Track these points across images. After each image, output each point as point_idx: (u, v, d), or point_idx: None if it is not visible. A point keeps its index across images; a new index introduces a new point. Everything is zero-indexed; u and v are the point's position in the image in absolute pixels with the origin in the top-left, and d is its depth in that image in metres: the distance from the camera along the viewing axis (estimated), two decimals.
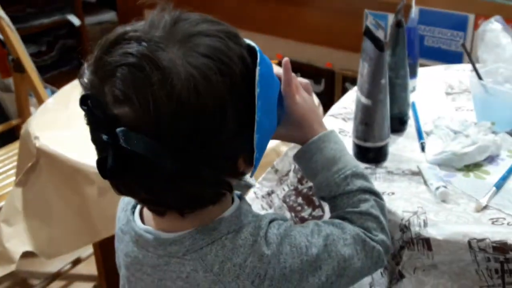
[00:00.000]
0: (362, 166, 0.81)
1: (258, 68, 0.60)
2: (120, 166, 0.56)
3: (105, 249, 1.61)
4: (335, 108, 1.12)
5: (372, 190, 0.72)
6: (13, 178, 1.51)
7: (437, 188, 0.85)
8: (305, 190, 1.07)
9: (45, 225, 1.24)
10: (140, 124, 0.55)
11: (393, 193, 0.86)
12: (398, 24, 0.96)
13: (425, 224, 0.78)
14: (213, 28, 0.59)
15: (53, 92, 2.03)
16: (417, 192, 0.86)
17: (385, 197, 0.76)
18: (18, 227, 1.23)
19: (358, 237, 0.68)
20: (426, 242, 0.77)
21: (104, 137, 0.56)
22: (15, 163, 1.46)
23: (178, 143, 0.56)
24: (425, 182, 0.88)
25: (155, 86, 0.54)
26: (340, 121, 1.08)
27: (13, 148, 1.84)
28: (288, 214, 1.08)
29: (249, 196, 1.10)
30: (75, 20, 3.24)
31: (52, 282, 1.89)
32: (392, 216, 0.80)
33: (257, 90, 0.59)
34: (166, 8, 0.59)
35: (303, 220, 1.07)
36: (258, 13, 2.36)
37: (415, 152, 0.96)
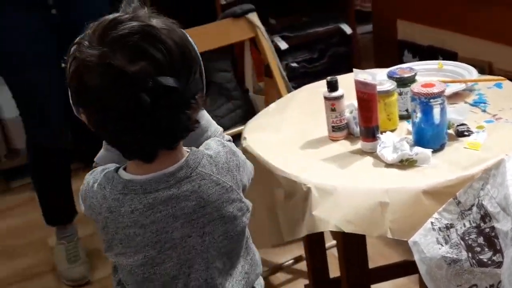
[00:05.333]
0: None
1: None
2: (156, 104, 0.80)
3: (312, 252, 1.65)
4: None
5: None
6: None
7: None
8: (487, 230, 0.92)
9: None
10: (160, 71, 0.81)
11: None
12: None
13: None
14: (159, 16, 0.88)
15: None
16: None
17: None
18: None
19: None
20: None
21: (131, 91, 0.80)
22: None
23: (184, 77, 0.84)
24: None
25: (160, 45, 0.82)
26: None
27: None
28: (464, 254, 0.94)
29: (425, 226, 1.00)
30: (347, 29, 3.35)
31: (275, 273, 2.03)
32: None
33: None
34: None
35: (480, 263, 0.92)
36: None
37: None
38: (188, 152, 0.92)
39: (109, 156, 0.99)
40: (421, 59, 2.30)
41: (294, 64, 3.28)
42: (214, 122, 1.03)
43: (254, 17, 2.09)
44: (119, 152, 0.90)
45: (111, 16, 0.85)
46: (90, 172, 0.96)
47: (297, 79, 2.97)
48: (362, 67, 3.35)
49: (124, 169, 0.92)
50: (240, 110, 2.19)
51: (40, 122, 1.90)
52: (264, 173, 1.26)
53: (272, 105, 1.59)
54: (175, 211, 0.88)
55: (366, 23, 3.48)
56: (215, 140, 0.96)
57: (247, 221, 0.97)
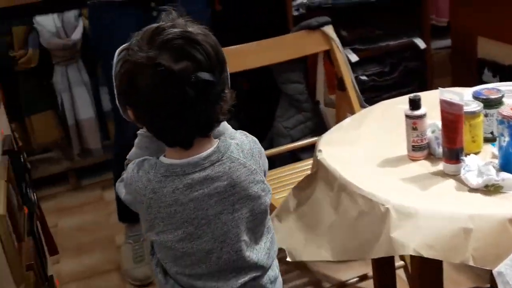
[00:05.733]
0: None
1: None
2: (197, 97, 0.96)
3: (381, 272, 1.61)
4: None
5: None
6: None
7: None
8: None
9: (308, 229, 1.32)
10: (200, 69, 0.96)
11: None
12: None
13: None
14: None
15: None
16: None
17: None
18: (286, 225, 1.35)
19: None
20: None
21: (178, 86, 0.95)
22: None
23: (217, 73, 0.99)
24: None
25: (199, 47, 0.97)
26: None
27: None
28: None
29: None
30: (421, 43, 3.27)
31: None
32: None
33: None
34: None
35: None
36: None
37: None
38: (218, 141, 1.07)
39: (140, 153, 1.12)
40: (501, 79, 2.21)
41: (364, 77, 3.22)
42: (230, 127, 1.15)
43: (329, 30, 2.08)
44: (151, 150, 1.10)
45: (155, 25, 1.00)
46: (130, 164, 1.10)
47: (366, 92, 2.92)
48: (434, 83, 3.27)
49: (164, 156, 1.06)
50: (310, 122, 2.17)
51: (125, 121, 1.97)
52: (338, 187, 1.24)
53: (347, 120, 1.57)
54: (210, 190, 1.03)
55: (441, 38, 3.39)
56: (239, 132, 1.12)
57: (269, 201, 1.10)
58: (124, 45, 1.03)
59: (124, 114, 1.07)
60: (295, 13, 3.11)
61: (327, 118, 2.18)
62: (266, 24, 3.08)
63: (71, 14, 2.67)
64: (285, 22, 3.09)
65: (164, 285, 1.11)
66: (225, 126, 1.12)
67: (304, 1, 3.14)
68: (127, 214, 2.24)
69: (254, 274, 1.09)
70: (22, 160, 1.47)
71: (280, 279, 1.17)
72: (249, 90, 3.06)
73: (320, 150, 1.36)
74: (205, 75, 0.96)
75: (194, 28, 1.00)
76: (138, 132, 1.15)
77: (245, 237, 1.07)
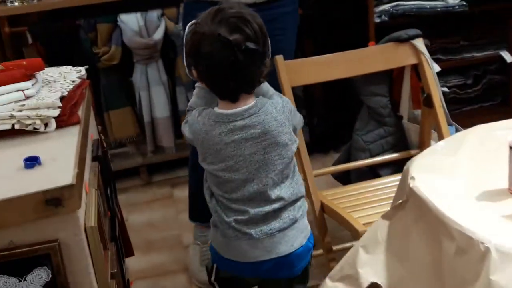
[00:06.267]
0: None
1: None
2: (245, 60, 1.28)
3: None
4: None
5: None
6: (385, 208, 1.58)
7: None
8: None
9: (400, 263, 1.26)
10: (249, 40, 1.28)
11: None
12: None
13: None
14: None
15: (457, 130, 2.03)
16: None
17: None
18: (375, 256, 1.29)
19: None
20: None
21: (232, 51, 1.26)
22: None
23: (261, 44, 1.30)
24: None
25: (248, 24, 1.28)
26: None
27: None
28: None
29: None
30: (507, 57, 3.11)
31: None
32: None
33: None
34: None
35: None
36: None
37: None
38: (257, 98, 1.38)
39: (198, 102, 1.44)
40: None
41: (444, 89, 3.10)
42: (272, 88, 1.43)
43: (419, 43, 2.00)
44: (206, 99, 1.41)
45: (217, 6, 1.32)
46: (194, 111, 1.41)
47: (446, 105, 2.80)
48: None
49: (217, 106, 1.38)
50: (391, 137, 2.10)
51: None
52: (432, 220, 1.18)
53: (441, 143, 1.49)
54: (247, 135, 1.34)
55: None
56: (276, 94, 1.43)
57: (294, 150, 1.41)
58: (193, 21, 1.34)
59: (190, 73, 1.39)
60: (377, 20, 3.03)
61: (410, 134, 2.10)
62: (346, 29, 3.02)
63: (154, 14, 2.70)
64: (366, 28, 3.02)
65: (209, 203, 1.45)
66: (268, 88, 1.42)
67: (387, 8, 3.06)
68: (198, 214, 2.26)
69: (276, 206, 1.39)
70: (108, 163, 1.48)
71: (302, 223, 1.45)
72: (325, 98, 3.02)
73: (412, 177, 1.29)
74: (251, 45, 1.28)
75: (246, 10, 1.31)
76: (196, 85, 1.46)
77: (272, 175, 1.38)
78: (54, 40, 2.70)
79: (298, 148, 1.85)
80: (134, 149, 3.00)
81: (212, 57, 1.28)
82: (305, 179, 1.92)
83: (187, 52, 1.35)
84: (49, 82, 1.40)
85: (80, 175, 1.05)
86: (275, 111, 1.35)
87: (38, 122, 1.21)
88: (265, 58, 1.34)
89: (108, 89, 2.83)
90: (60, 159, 1.10)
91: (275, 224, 1.40)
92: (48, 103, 1.23)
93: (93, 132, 1.48)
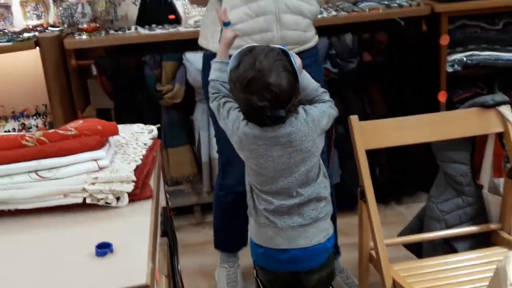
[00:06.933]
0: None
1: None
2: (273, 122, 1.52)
3: None
4: None
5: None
6: None
7: None
8: None
9: None
10: (276, 105, 1.49)
11: None
12: None
13: None
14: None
15: None
16: None
17: None
18: None
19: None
20: None
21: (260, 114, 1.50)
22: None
23: (289, 105, 1.51)
24: None
25: (275, 89, 1.47)
26: None
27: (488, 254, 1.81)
28: None
29: None
30: None
31: None
32: None
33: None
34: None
35: None
36: None
37: None
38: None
39: (222, 76, 1.65)
40: None
41: None
42: (312, 81, 1.63)
43: (507, 110, 1.86)
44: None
45: (249, 75, 1.48)
46: (218, 95, 1.66)
47: None
48: None
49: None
50: (469, 208, 1.95)
51: (231, 163, 2.10)
52: None
53: None
54: (275, 142, 1.54)
55: None
56: (319, 104, 1.61)
57: (318, 156, 1.60)
58: (233, 73, 1.53)
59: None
60: (449, 69, 2.89)
61: (490, 206, 1.95)
62: (416, 77, 2.89)
63: None
64: (438, 77, 2.89)
65: (248, 194, 1.67)
66: (308, 83, 1.61)
67: (460, 57, 2.91)
68: (223, 245, 2.39)
69: (296, 201, 1.59)
70: (173, 231, 1.40)
71: (323, 224, 1.64)
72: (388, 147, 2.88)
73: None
74: (278, 112, 1.49)
75: (276, 71, 1.47)
76: (216, 60, 1.69)
77: (296, 175, 1.57)
78: (119, 75, 2.68)
79: (368, 213, 1.74)
80: (190, 187, 2.94)
81: (246, 113, 1.54)
82: (375, 248, 1.80)
83: (230, 90, 1.59)
84: (122, 146, 1.34)
85: (153, 268, 0.97)
86: (299, 123, 1.53)
87: (110, 197, 1.14)
88: (296, 105, 1.54)
89: (168, 126, 2.79)
90: (132, 245, 1.03)
91: (297, 219, 1.60)
92: (122, 176, 1.16)
93: (162, 199, 1.41)
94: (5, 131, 2.76)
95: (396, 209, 2.97)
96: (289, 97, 1.51)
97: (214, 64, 1.70)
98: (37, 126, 2.81)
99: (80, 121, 1.36)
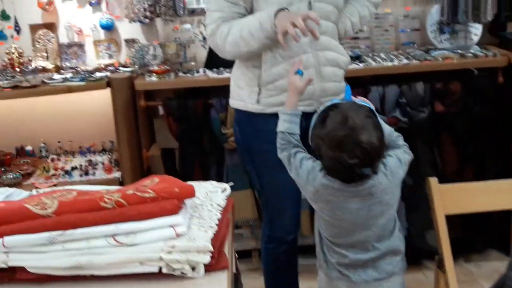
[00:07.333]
0: None
1: None
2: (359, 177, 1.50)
3: None
4: None
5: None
6: None
7: None
8: None
9: None
10: (364, 163, 1.47)
11: None
12: None
13: None
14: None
15: None
16: None
17: None
18: None
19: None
20: None
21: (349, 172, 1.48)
22: None
23: (377, 161, 1.52)
24: None
25: (365, 146, 1.45)
26: None
27: None
28: None
29: None
30: None
31: None
32: None
33: None
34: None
35: None
36: None
37: None
38: None
39: (292, 128, 1.65)
40: None
41: None
42: (386, 126, 1.59)
43: None
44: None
45: (342, 133, 1.45)
46: (288, 145, 1.64)
47: None
48: None
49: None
50: None
51: (279, 213, 2.06)
52: None
53: None
54: (355, 194, 1.50)
55: None
56: (394, 152, 1.58)
57: (396, 209, 1.57)
58: (318, 129, 1.51)
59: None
60: None
61: None
62: (489, 128, 2.77)
63: None
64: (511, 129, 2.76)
65: (317, 245, 1.65)
66: (390, 136, 1.59)
67: None
68: None
69: (372, 255, 1.56)
70: None
71: (398, 280, 1.61)
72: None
73: None
74: (365, 170, 1.47)
75: (367, 128, 1.45)
76: (283, 111, 1.69)
77: (374, 229, 1.54)
78: (185, 117, 2.69)
79: (447, 286, 1.64)
80: (249, 232, 2.90)
81: (332, 169, 1.50)
82: None
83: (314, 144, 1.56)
84: (197, 208, 1.31)
85: None
86: (380, 176, 1.50)
87: (186, 267, 1.11)
88: (382, 155, 1.52)
89: (231, 169, 2.77)
90: None
91: (372, 273, 1.57)
92: (200, 246, 1.12)
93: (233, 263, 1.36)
94: (72, 167, 2.81)
95: (465, 267, 2.82)
96: (379, 154, 1.49)
97: (283, 116, 1.68)
98: (103, 163, 2.85)
99: (156, 179, 1.34)
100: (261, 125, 1.92)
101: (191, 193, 1.25)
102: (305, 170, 1.56)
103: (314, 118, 1.58)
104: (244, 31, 1.80)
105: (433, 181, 1.73)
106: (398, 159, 1.56)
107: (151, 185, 1.28)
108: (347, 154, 1.43)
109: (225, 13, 1.84)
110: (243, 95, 1.95)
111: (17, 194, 1.42)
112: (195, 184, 1.46)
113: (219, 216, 1.29)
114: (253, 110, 1.92)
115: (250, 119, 1.95)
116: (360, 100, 1.67)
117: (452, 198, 1.74)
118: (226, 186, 1.47)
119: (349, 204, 1.51)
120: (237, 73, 2.00)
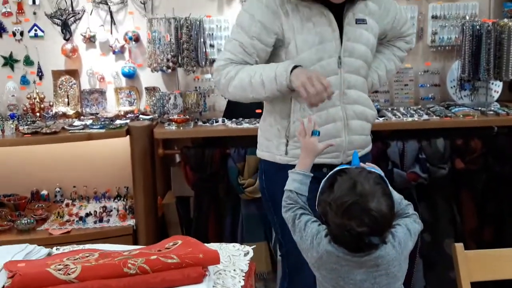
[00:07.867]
0: None
1: None
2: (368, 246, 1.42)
3: None
4: None
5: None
6: None
7: None
8: None
9: None
10: (373, 232, 1.39)
11: None
12: None
13: None
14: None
15: None
16: None
17: None
18: None
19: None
20: None
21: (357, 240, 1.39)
22: None
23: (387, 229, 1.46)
24: None
25: (374, 214, 1.38)
26: None
27: None
28: None
29: None
30: None
31: None
32: None
33: None
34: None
35: None
36: None
37: None
38: None
39: (303, 189, 1.59)
40: None
41: None
42: (395, 193, 1.52)
43: None
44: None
45: (348, 200, 1.38)
46: (294, 206, 1.58)
47: None
48: None
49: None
50: None
51: (300, 267, 1.96)
52: None
53: None
54: (361, 265, 1.42)
55: None
56: (404, 221, 1.50)
57: (403, 280, 1.49)
58: (326, 194, 1.43)
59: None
60: None
61: None
62: (509, 185, 2.73)
63: None
64: None
65: None
66: (400, 203, 1.53)
67: None
68: None
69: None
70: None
71: None
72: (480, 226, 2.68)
73: None
74: (374, 240, 1.38)
75: (377, 196, 1.39)
76: (294, 171, 1.63)
77: None
78: (203, 166, 2.67)
79: None
80: (263, 285, 2.84)
81: (338, 237, 1.42)
82: None
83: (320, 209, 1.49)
84: (220, 274, 1.28)
85: None
86: (387, 247, 1.43)
87: None
88: (391, 225, 1.46)
89: (247, 220, 2.74)
90: None
91: None
92: None
93: None
94: (86, 213, 2.79)
95: None
96: (389, 222, 1.43)
97: (294, 175, 1.63)
98: (117, 210, 2.82)
99: (179, 241, 1.32)
100: (287, 175, 1.91)
101: (216, 260, 1.23)
102: (309, 234, 1.50)
103: (322, 183, 1.50)
104: (255, 78, 1.82)
105: (459, 247, 1.68)
106: (407, 229, 1.48)
107: (174, 248, 1.25)
108: (355, 221, 1.36)
109: (236, 57, 1.87)
110: (271, 147, 1.96)
111: (36, 252, 1.40)
112: (217, 246, 1.44)
113: (242, 283, 1.26)
114: (281, 162, 1.92)
115: (277, 170, 1.93)
116: (370, 166, 1.57)
117: (479, 265, 1.69)
118: (249, 249, 1.44)
119: (353, 275, 1.43)
120: (264, 125, 2.01)
